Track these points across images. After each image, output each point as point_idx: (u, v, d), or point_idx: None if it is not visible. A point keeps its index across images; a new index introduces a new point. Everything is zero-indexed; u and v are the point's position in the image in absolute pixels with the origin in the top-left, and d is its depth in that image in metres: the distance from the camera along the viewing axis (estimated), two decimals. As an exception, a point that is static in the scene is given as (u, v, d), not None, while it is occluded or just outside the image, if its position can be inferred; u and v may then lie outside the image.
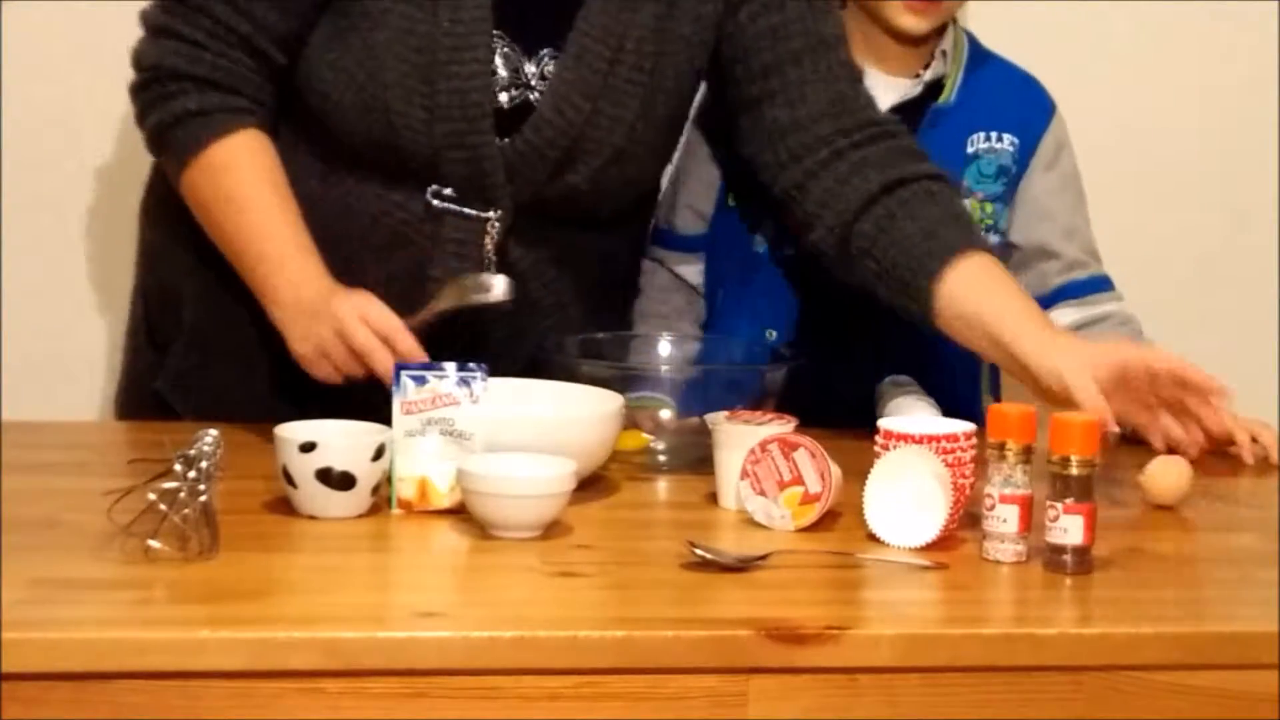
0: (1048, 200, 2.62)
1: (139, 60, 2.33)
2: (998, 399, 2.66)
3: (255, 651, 1.68)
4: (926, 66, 2.60)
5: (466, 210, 2.33)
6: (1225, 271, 3.07)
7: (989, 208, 2.60)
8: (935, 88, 2.60)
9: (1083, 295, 2.61)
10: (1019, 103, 2.64)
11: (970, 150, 2.60)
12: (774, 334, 2.55)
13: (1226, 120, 3.05)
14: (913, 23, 2.56)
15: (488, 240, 2.34)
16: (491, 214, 2.34)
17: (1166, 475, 2.20)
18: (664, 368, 2.40)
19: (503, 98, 2.33)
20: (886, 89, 2.58)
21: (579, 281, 2.47)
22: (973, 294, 2.28)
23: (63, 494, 2.12)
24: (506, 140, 2.32)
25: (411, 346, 2.18)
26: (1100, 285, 2.63)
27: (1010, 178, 2.61)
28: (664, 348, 2.47)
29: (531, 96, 2.33)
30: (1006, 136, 2.60)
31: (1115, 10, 3.00)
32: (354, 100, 2.30)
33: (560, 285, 2.45)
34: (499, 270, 2.32)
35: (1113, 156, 3.02)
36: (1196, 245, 3.07)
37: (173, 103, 2.29)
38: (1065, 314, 2.59)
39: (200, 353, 2.44)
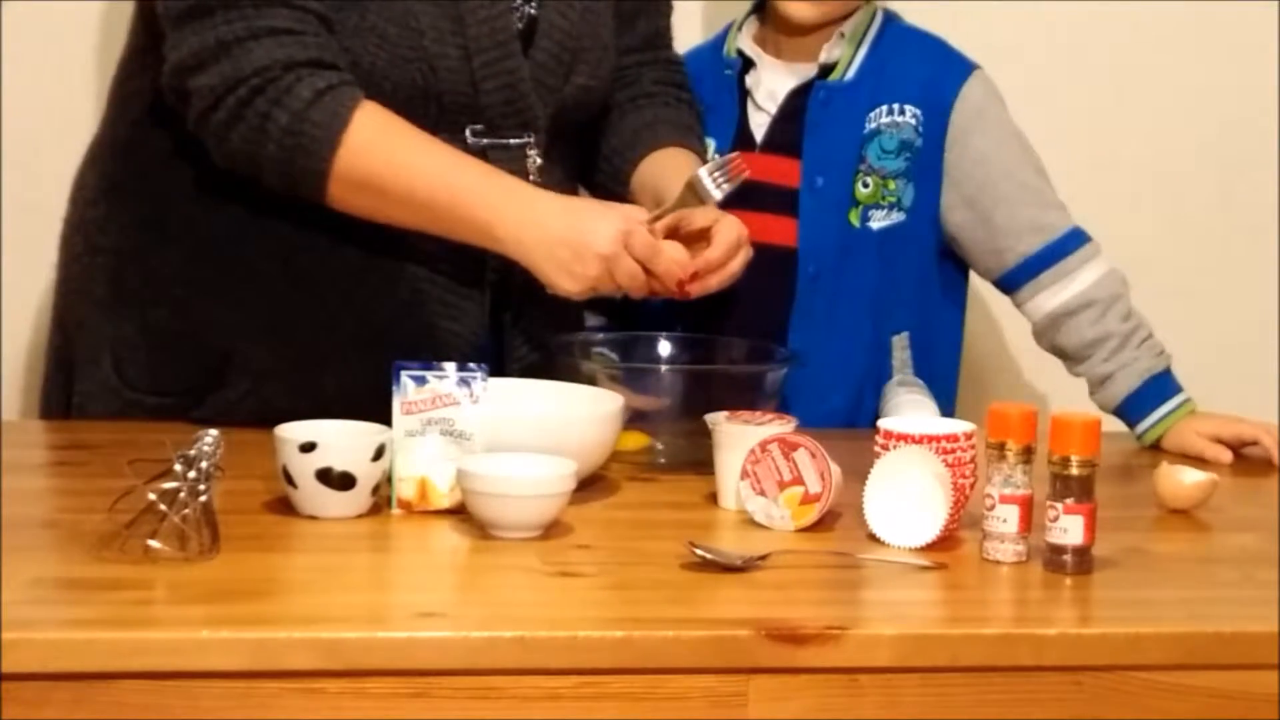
0: (976, 171, 2.53)
1: (236, 69, 2.23)
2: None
3: (255, 651, 1.68)
4: None
5: (507, 140, 2.37)
6: (1225, 271, 3.07)
7: (891, 184, 2.52)
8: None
9: (1050, 264, 2.51)
10: (924, 72, 2.55)
11: (870, 126, 2.53)
12: None
13: (1226, 120, 3.05)
14: (801, 11, 2.52)
15: (529, 165, 2.37)
16: (528, 138, 2.38)
17: (1183, 480, 2.18)
18: (664, 368, 2.40)
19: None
20: (785, 75, 2.56)
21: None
22: (653, 167, 2.46)
23: (63, 494, 2.13)
24: (525, 58, 2.38)
25: (669, 267, 2.26)
26: (1066, 247, 2.52)
27: (915, 151, 2.53)
28: (664, 348, 2.46)
29: (531, 10, 2.40)
30: (909, 109, 2.53)
31: (1115, 9, 3.00)
32: (390, 57, 2.30)
33: None
34: None
35: (1113, 156, 3.02)
36: (1196, 244, 3.06)
37: (298, 90, 2.23)
38: (1044, 300, 2.52)
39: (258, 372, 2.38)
